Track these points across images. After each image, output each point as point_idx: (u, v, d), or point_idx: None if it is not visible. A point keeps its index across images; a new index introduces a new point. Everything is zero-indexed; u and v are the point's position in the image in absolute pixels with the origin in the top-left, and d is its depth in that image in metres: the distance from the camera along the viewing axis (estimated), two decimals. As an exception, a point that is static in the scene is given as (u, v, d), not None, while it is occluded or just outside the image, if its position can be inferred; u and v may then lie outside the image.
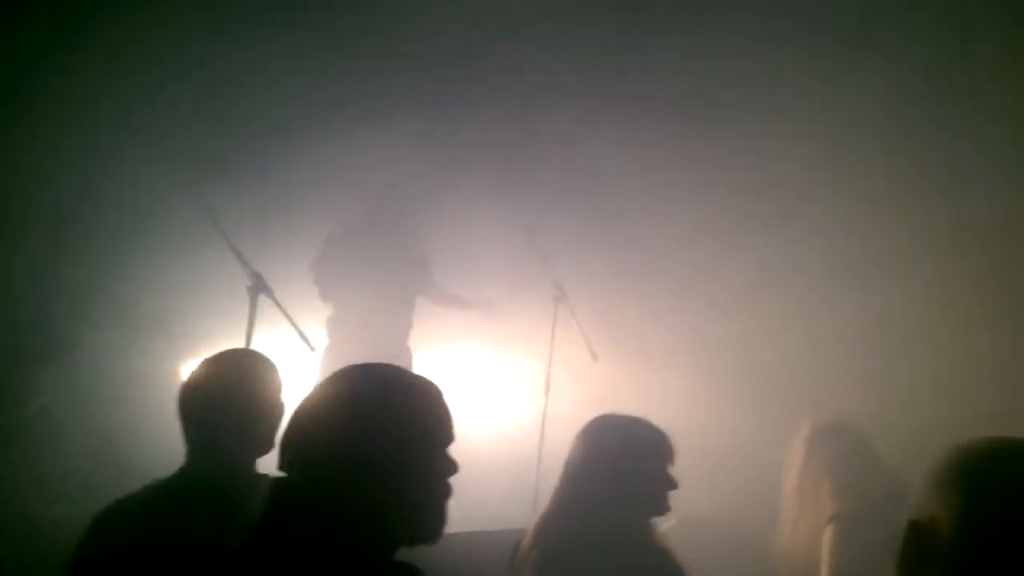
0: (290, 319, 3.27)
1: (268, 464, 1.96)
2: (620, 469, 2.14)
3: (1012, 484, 1.02)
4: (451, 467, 1.44)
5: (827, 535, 2.82)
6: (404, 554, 1.44)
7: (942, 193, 4.08)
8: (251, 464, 1.98)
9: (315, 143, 4.37)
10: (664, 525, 2.28)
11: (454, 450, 1.48)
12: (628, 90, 4.70)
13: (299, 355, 3.39)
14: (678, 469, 2.22)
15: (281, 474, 1.41)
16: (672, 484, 2.18)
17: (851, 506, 2.84)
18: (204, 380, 1.98)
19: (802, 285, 4.54)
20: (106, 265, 3.95)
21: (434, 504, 1.42)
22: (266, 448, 1.98)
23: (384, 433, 1.38)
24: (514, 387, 4.98)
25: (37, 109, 3.60)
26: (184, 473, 1.95)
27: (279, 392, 2.03)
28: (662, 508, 2.18)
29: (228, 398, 1.93)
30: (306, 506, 1.36)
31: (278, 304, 3.23)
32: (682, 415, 4.33)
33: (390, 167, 4.42)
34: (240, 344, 3.15)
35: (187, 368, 4.02)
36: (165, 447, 2.02)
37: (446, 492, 1.43)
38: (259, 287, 3.16)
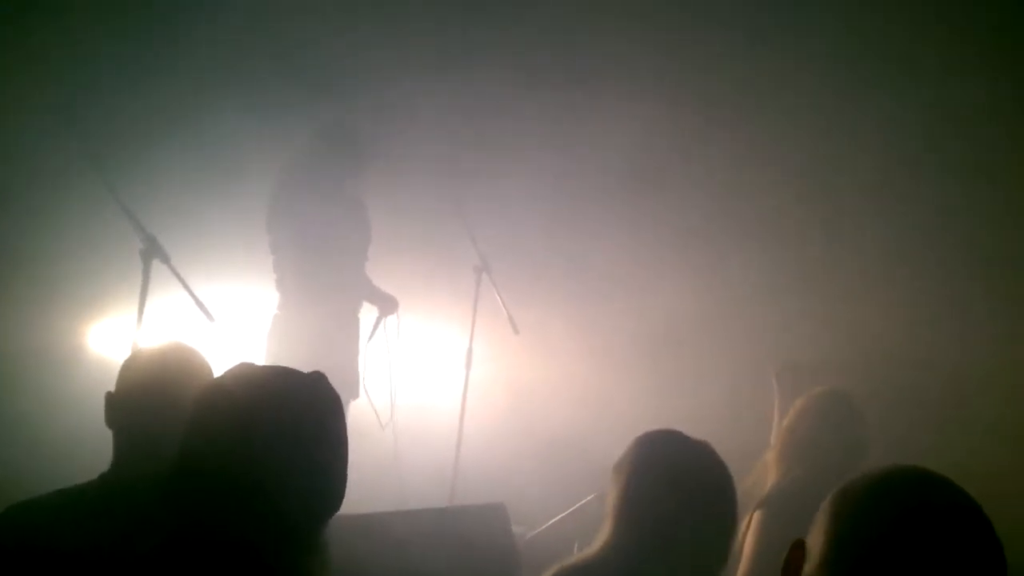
0: (187, 287, 3.08)
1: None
2: None
3: (876, 518, 1.03)
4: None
5: (754, 522, 2.67)
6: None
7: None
8: None
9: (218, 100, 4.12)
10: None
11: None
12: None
13: (197, 323, 3.18)
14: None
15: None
16: None
17: (788, 480, 2.71)
18: (146, 387, 1.80)
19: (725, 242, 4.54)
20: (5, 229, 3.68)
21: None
22: None
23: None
24: (441, 360, 4.85)
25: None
26: (108, 481, 1.79)
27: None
28: None
29: (174, 410, 1.68)
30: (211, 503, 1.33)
31: (174, 271, 3.04)
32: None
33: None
34: (130, 312, 2.96)
35: (91, 335, 3.81)
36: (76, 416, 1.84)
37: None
38: (152, 251, 2.96)
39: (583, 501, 3.98)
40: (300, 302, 3.95)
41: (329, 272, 3.96)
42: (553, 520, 4.03)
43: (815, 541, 1.06)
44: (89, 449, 1.92)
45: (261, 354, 3.96)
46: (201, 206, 3.93)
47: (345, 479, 1.41)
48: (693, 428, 1.90)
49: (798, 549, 1.07)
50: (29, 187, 3.69)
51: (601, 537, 1.84)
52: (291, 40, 4.29)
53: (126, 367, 1.87)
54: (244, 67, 4.23)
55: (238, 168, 4.05)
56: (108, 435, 1.83)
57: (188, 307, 3.14)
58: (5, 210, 3.64)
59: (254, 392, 1.37)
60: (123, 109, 3.95)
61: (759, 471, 2.88)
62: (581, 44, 4.65)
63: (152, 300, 3.00)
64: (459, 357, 4.39)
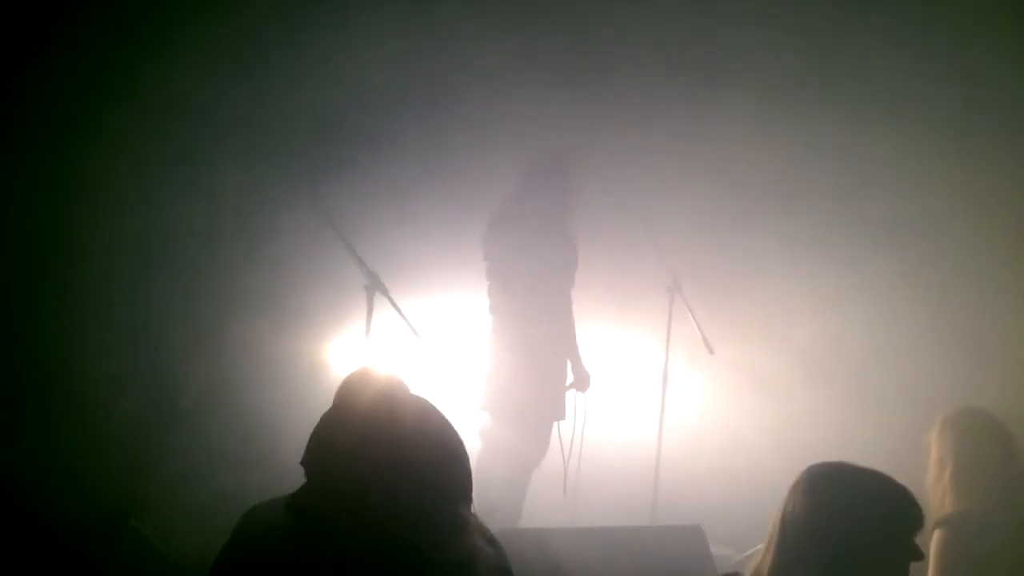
0: (402, 314, 3.49)
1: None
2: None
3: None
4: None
5: (934, 540, 2.69)
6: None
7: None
8: None
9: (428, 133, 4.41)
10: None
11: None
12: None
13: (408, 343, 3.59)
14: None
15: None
16: (917, 555, 1.87)
17: (966, 504, 2.71)
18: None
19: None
20: (237, 262, 4.13)
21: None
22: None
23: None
24: (632, 375, 4.90)
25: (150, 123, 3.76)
26: None
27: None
28: None
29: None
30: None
31: (392, 303, 3.45)
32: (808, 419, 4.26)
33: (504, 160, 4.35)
34: (359, 333, 3.41)
35: (317, 355, 4.20)
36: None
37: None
38: (375, 286, 3.41)
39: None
40: (511, 326, 4.12)
41: (539, 298, 4.11)
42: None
43: None
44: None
45: (474, 368, 4.21)
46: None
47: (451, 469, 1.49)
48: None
49: None
50: (273, 238, 4.11)
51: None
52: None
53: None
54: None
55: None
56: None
57: (401, 326, 3.52)
58: (256, 256, 4.09)
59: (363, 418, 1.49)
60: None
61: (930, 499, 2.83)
62: (780, 43, 4.52)
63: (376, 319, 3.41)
64: (655, 377, 4.43)
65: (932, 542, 2.69)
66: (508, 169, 4.26)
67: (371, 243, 3.54)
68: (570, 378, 4.21)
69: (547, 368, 4.13)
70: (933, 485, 2.85)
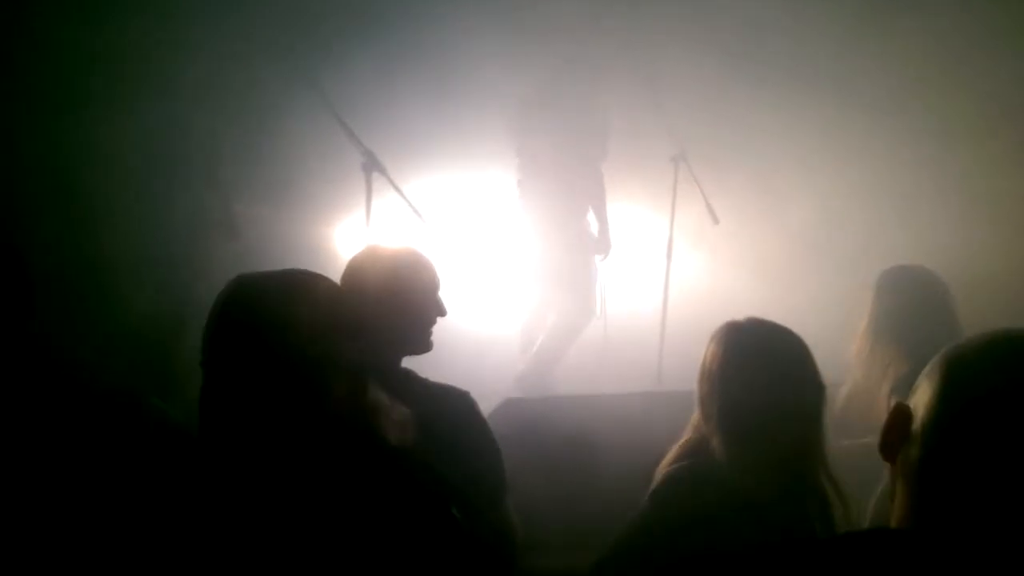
0: (401, 193, 3.44)
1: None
2: None
3: (988, 373, 0.99)
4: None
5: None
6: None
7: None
8: (396, 363, 2.04)
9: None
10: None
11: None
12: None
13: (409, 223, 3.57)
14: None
15: None
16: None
17: (911, 364, 2.46)
18: (358, 279, 2.02)
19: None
20: (245, 152, 4.14)
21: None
22: (414, 350, 2.05)
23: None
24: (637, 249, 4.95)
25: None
26: None
27: (430, 294, 2.07)
28: None
29: (380, 301, 1.97)
30: None
31: (391, 181, 3.40)
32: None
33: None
34: (360, 215, 3.39)
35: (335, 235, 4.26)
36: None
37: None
38: (372, 164, 3.34)
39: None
40: (543, 197, 4.25)
41: (569, 173, 4.23)
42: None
43: (920, 400, 1.02)
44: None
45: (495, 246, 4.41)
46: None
47: None
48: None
49: (902, 412, 1.03)
50: (278, 126, 4.07)
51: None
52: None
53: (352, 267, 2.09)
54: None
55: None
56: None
57: (404, 208, 3.50)
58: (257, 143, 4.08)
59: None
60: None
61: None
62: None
63: (379, 201, 3.40)
64: (660, 248, 4.48)
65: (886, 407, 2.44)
66: (505, 40, 4.18)
67: (369, 125, 3.49)
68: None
69: (579, 237, 4.31)
70: (859, 351, 2.66)
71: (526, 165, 4.31)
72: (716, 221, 4.32)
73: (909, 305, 2.62)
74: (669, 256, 4.43)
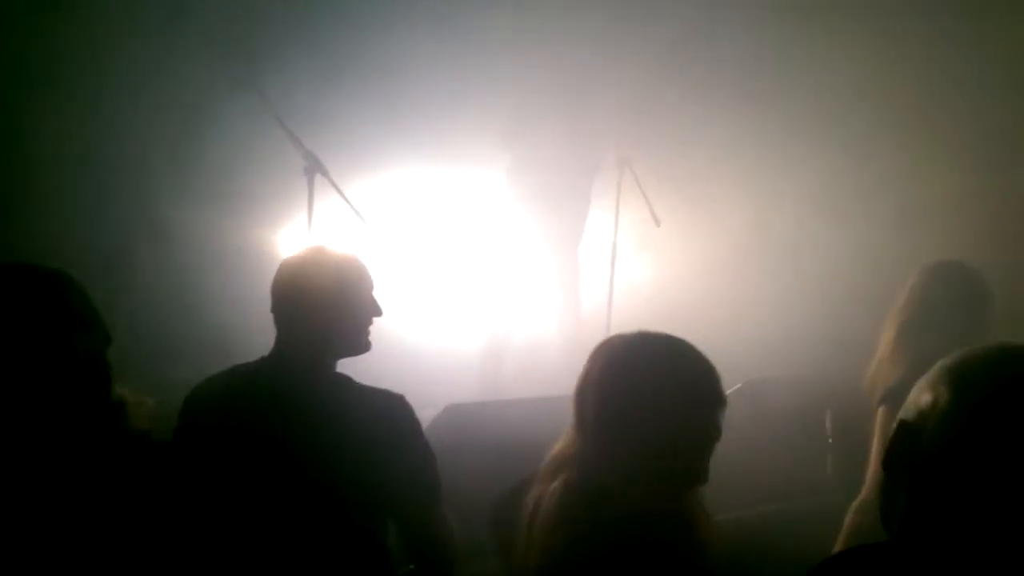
0: (343, 195, 3.42)
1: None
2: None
3: (1001, 385, 1.01)
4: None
5: (879, 416, 2.43)
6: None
7: None
8: (332, 365, 2.03)
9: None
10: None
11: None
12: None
13: (352, 225, 3.55)
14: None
15: None
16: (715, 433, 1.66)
17: (902, 373, 2.37)
18: (299, 281, 2.02)
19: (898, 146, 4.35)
20: (181, 153, 4.07)
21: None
22: (351, 350, 2.04)
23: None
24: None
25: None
26: (267, 364, 2.02)
27: (367, 294, 2.06)
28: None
29: (321, 302, 1.99)
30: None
31: (333, 183, 3.39)
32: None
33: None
34: (302, 219, 3.37)
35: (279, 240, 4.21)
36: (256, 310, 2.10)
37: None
38: (314, 167, 3.34)
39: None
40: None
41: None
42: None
43: (927, 414, 1.03)
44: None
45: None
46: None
47: None
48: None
49: (907, 429, 1.06)
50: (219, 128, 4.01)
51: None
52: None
53: (299, 260, 2.10)
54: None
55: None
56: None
57: (346, 210, 3.47)
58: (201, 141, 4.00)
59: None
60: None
61: (876, 368, 2.59)
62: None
63: (321, 204, 3.38)
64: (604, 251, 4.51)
65: (877, 418, 2.46)
66: (445, 37, 4.19)
67: (312, 129, 3.48)
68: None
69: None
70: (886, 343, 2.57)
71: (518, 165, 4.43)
72: (658, 223, 4.37)
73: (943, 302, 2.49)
74: (613, 261, 4.47)
